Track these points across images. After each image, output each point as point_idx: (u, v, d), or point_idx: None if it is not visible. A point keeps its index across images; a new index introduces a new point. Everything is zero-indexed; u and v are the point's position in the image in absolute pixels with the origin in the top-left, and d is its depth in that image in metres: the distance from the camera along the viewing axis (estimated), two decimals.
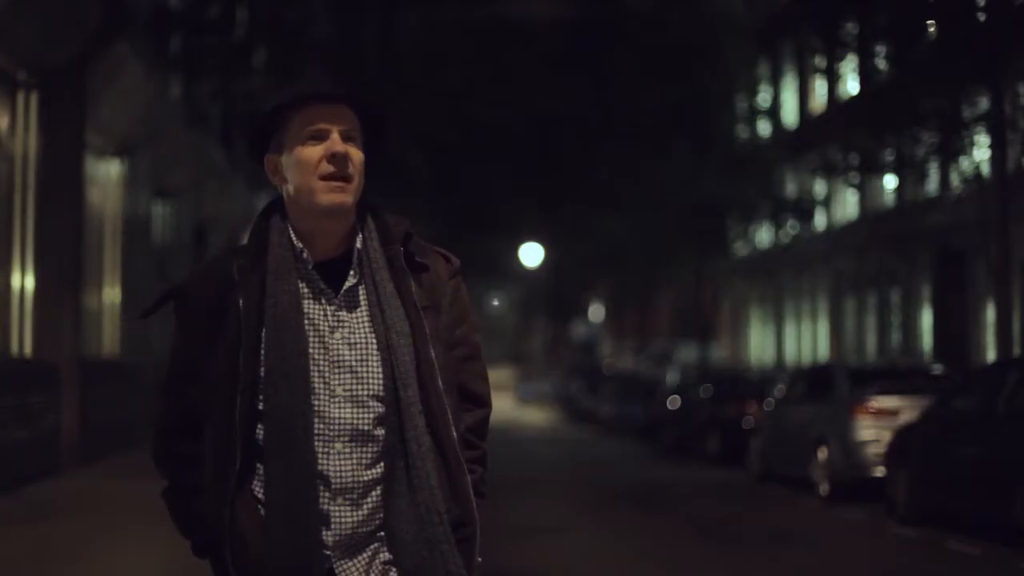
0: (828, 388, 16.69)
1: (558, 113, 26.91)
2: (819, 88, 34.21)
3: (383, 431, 2.62)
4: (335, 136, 2.63)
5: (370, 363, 2.63)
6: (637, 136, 28.35)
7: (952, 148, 18.49)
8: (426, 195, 28.98)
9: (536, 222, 39.86)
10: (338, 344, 2.64)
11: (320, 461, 2.58)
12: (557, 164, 29.50)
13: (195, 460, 2.69)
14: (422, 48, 24.19)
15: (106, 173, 18.27)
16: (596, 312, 54.85)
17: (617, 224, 32.92)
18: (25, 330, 14.75)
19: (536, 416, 43.87)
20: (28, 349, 14.82)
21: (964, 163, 18.76)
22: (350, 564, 2.62)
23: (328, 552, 2.60)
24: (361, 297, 2.67)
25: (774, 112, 35.45)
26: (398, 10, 23.36)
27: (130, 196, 19.33)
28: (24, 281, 14.70)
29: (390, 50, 22.52)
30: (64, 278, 15.26)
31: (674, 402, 26.21)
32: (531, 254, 45.96)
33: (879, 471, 14.26)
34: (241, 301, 2.62)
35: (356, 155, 2.65)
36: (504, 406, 51.64)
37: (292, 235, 2.67)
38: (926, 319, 28.07)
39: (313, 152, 2.62)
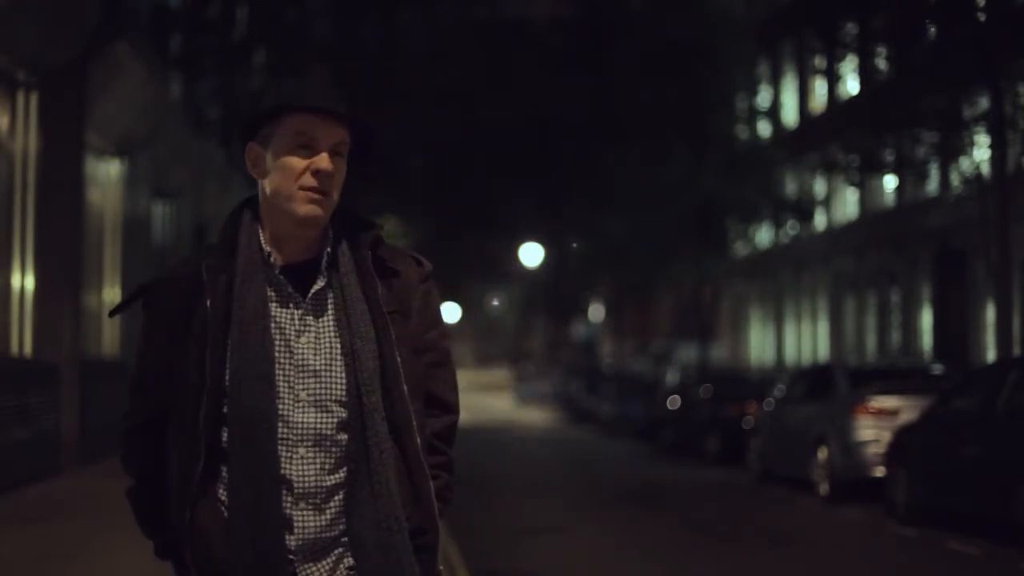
0: (828, 388, 16.67)
1: (558, 113, 26.95)
2: (819, 88, 34.24)
3: (346, 436, 2.61)
4: (324, 154, 2.61)
5: (334, 368, 2.62)
6: (637, 136, 28.37)
7: (952, 148, 18.50)
8: (426, 195, 28.99)
9: (536, 222, 39.90)
10: (303, 348, 2.63)
11: (283, 465, 2.58)
12: (557, 164, 29.52)
13: (161, 460, 2.69)
14: (422, 48, 24.19)
15: (106, 173, 18.25)
16: (596, 312, 54.79)
17: (617, 224, 32.92)
18: (25, 330, 14.73)
19: (536, 416, 43.82)
20: (28, 349, 14.80)
21: (964, 163, 18.77)
22: (313, 569, 2.61)
23: (291, 557, 2.59)
24: (328, 302, 2.66)
25: (774, 112, 35.46)
26: (398, 10, 23.35)
27: (130, 196, 19.31)
28: (24, 281, 14.68)
29: (390, 50, 22.52)
30: (64, 278, 15.24)
31: (674, 402, 26.20)
32: (531, 254, 45.99)
33: (879, 471, 14.25)
34: (208, 302, 2.62)
35: (339, 172, 2.64)
36: (504, 406, 51.64)
37: (261, 238, 2.67)
38: (926, 319, 28.08)
39: (299, 163, 2.61)
